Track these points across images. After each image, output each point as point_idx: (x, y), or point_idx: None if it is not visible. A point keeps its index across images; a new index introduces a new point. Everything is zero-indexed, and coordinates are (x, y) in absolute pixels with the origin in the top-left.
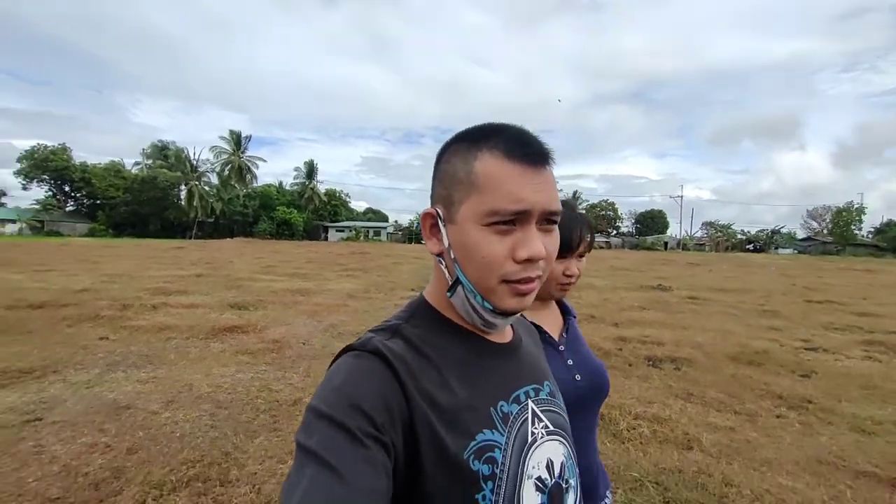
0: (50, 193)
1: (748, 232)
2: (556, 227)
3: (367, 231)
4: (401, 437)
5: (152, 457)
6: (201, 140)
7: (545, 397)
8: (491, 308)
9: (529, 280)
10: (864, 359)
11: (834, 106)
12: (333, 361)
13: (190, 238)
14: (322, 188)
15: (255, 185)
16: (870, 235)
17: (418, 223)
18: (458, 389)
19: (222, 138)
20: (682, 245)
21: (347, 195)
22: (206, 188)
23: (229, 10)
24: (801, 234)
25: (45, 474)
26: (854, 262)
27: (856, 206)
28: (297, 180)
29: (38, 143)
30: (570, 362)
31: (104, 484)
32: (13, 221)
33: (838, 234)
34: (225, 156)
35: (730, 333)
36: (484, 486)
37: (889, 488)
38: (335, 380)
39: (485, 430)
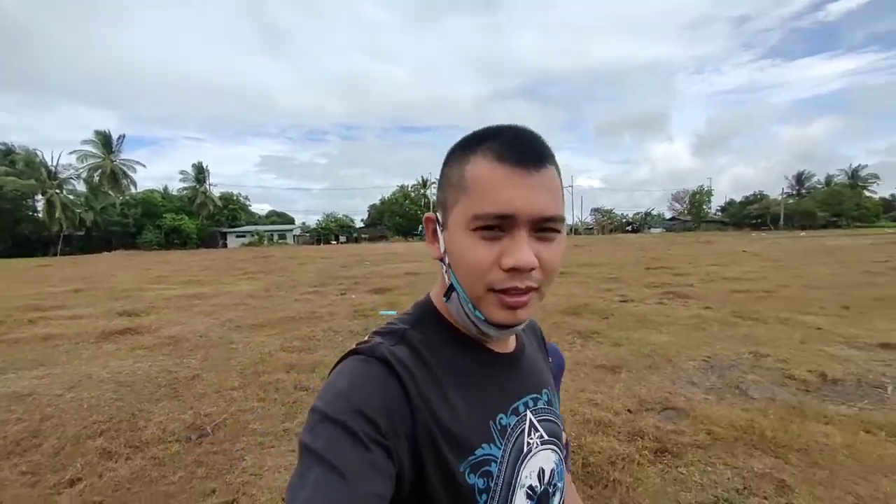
0: None
1: (626, 216)
2: (558, 235)
3: (272, 235)
4: (405, 446)
5: (64, 421)
6: (59, 141)
7: (542, 406)
8: (483, 319)
9: (518, 291)
10: (655, 304)
11: (690, 103)
12: (338, 363)
13: (55, 255)
14: (217, 191)
15: (133, 191)
16: (719, 213)
17: (324, 224)
18: (459, 403)
19: (87, 142)
20: (574, 230)
21: (246, 198)
22: (72, 197)
23: None
24: (668, 215)
25: None
26: (702, 235)
27: (706, 189)
28: (186, 184)
29: None
30: None
31: (24, 441)
32: None
33: (694, 213)
34: (93, 160)
35: (573, 296)
36: (478, 498)
37: (610, 371)
38: (340, 383)
39: (483, 445)
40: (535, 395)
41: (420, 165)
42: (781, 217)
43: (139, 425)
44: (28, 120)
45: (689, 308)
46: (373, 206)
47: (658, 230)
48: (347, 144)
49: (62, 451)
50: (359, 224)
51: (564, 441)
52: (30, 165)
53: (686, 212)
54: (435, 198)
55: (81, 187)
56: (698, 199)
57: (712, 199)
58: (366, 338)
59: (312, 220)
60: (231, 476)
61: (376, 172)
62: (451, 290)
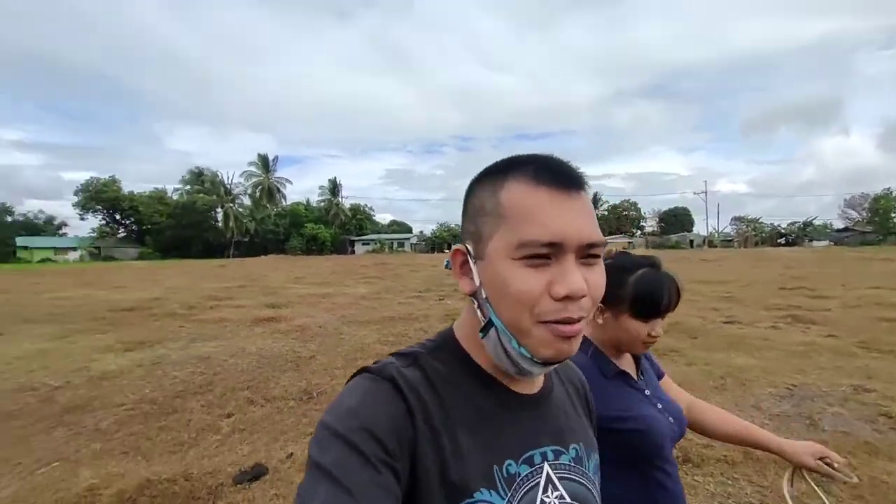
0: (104, 222)
1: (777, 225)
2: (599, 261)
3: (392, 243)
4: (409, 469)
5: (227, 377)
6: (232, 162)
7: (568, 462)
8: (529, 356)
9: (571, 321)
10: (766, 328)
11: (875, 85)
12: (350, 380)
13: (229, 257)
14: (347, 203)
15: (284, 204)
16: None
17: (438, 233)
18: (464, 439)
19: (252, 163)
20: (709, 242)
21: (371, 209)
22: (240, 209)
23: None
24: (840, 225)
25: (169, 383)
26: (884, 251)
27: (894, 194)
28: (323, 197)
29: (92, 177)
30: (658, 405)
31: (203, 386)
32: (74, 249)
33: (878, 223)
34: (255, 178)
35: (682, 315)
36: None
37: None
38: (349, 400)
39: (482, 490)
40: (557, 448)
41: None
42: None
43: (270, 386)
44: (211, 146)
45: (806, 334)
46: None
47: (823, 243)
48: (463, 155)
49: (224, 396)
50: None
51: None
52: (213, 184)
53: (865, 221)
54: (461, 229)
55: (247, 201)
56: (884, 204)
57: None
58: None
59: (428, 229)
60: None
61: None
62: (489, 325)
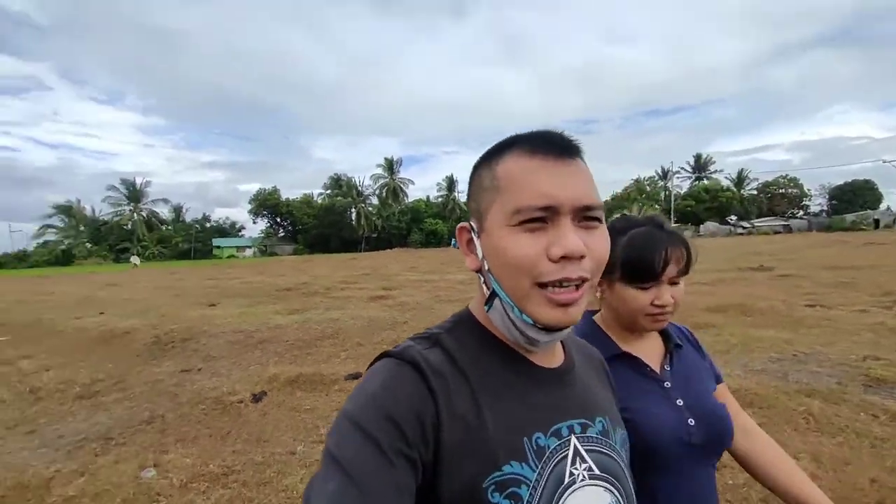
0: (268, 224)
1: None
2: (600, 224)
3: None
4: (430, 454)
5: (346, 332)
6: (364, 165)
7: (595, 435)
8: (531, 322)
9: (570, 283)
10: (854, 311)
11: None
12: (370, 365)
13: (360, 251)
14: (463, 198)
15: (407, 201)
16: None
17: None
18: (491, 413)
19: (379, 165)
20: (882, 223)
21: None
22: (370, 209)
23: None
24: None
25: (312, 332)
26: None
27: None
28: (441, 193)
29: (260, 188)
30: (679, 402)
31: (330, 336)
32: (249, 247)
33: None
34: (382, 180)
35: (749, 295)
36: None
37: None
38: (370, 386)
39: (512, 462)
40: (584, 421)
41: (666, 151)
42: None
43: (374, 339)
44: (346, 153)
45: (889, 317)
46: (604, 202)
47: None
48: (582, 139)
49: (342, 343)
50: None
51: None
52: (349, 187)
53: None
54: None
55: (375, 201)
56: None
57: None
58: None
59: None
60: None
61: (613, 165)
62: (492, 296)
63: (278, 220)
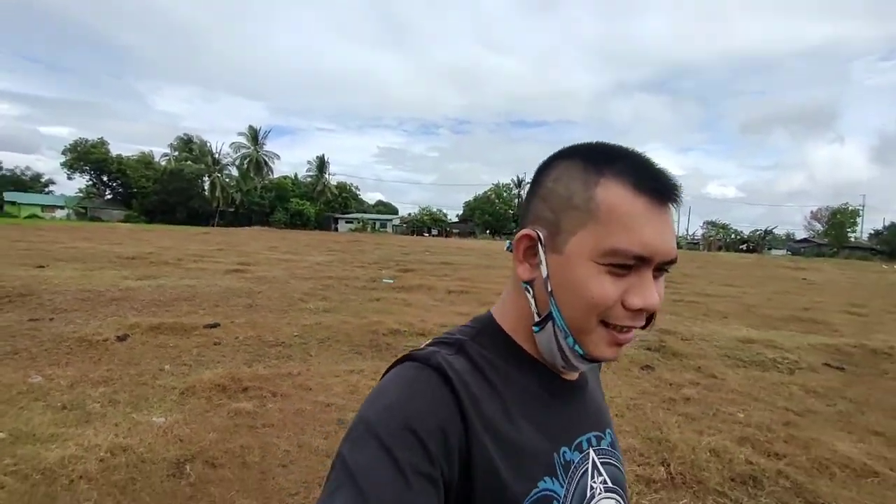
0: (90, 183)
1: (740, 232)
2: (666, 274)
3: (374, 223)
4: (456, 468)
5: (203, 299)
6: (221, 128)
7: (606, 447)
8: (582, 354)
9: (629, 330)
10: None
11: (873, 96)
12: (391, 367)
13: (213, 225)
14: (334, 180)
15: (271, 177)
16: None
17: (419, 216)
18: (522, 426)
19: (241, 134)
20: (676, 244)
21: (357, 188)
22: (227, 180)
23: None
24: (802, 235)
25: (168, 295)
26: (816, 262)
27: (850, 208)
28: (311, 173)
29: (80, 138)
30: None
31: (188, 298)
32: (61, 207)
33: (833, 235)
34: (244, 150)
35: None
36: None
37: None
38: (391, 392)
39: (546, 478)
40: (598, 434)
41: (527, 162)
42: None
43: (231, 303)
44: (198, 109)
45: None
46: (467, 203)
47: (781, 252)
48: (458, 138)
49: (200, 304)
50: (453, 219)
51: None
52: (202, 153)
53: (822, 233)
54: (526, 207)
55: (234, 172)
56: (839, 219)
57: (860, 219)
58: (422, 345)
59: (414, 212)
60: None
61: (484, 167)
62: (547, 319)
63: (105, 179)
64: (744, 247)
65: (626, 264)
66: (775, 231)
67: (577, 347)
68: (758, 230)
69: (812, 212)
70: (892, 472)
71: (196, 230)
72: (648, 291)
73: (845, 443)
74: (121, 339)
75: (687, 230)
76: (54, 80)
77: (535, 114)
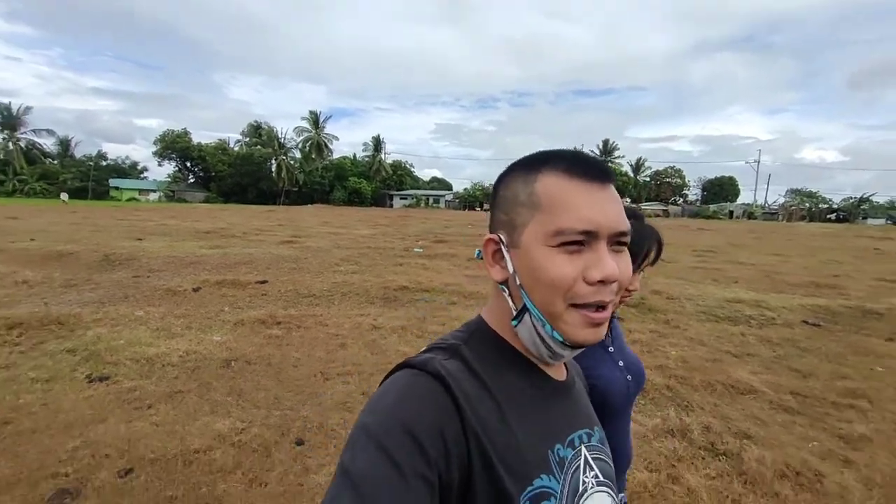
0: (176, 168)
1: (831, 200)
2: (626, 248)
3: (427, 199)
4: (455, 470)
5: (257, 263)
6: (286, 112)
7: (596, 444)
8: (561, 339)
9: (602, 306)
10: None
11: None
12: (389, 374)
13: (278, 204)
14: (390, 159)
15: (331, 158)
16: None
17: (471, 192)
18: (517, 426)
19: (304, 118)
20: (749, 214)
21: (412, 165)
22: (292, 162)
23: None
24: None
25: (232, 260)
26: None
27: None
28: (367, 153)
29: (168, 129)
30: (620, 363)
31: (247, 264)
32: (154, 191)
33: None
34: (306, 134)
35: None
36: None
37: None
38: (389, 398)
39: (542, 476)
40: (588, 431)
41: (594, 131)
42: None
43: (280, 266)
44: (266, 97)
45: None
46: None
47: (879, 221)
48: (517, 111)
49: (255, 267)
50: None
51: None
52: (270, 137)
53: None
54: (490, 219)
55: (297, 154)
56: None
57: None
58: (422, 349)
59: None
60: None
61: (543, 139)
62: (522, 311)
63: (188, 164)
64: (832, 216)
65: (574, 240)
66: (875, 198)
67: (555, 334)
68: (851, 198)
69: None
70: (772, 392)
71: (262, 208)
72: (604, 262)
73: (745, 372)
74: (195, 290)
75: (766, 199)
76: (144, 76)
77: (601, 82)
